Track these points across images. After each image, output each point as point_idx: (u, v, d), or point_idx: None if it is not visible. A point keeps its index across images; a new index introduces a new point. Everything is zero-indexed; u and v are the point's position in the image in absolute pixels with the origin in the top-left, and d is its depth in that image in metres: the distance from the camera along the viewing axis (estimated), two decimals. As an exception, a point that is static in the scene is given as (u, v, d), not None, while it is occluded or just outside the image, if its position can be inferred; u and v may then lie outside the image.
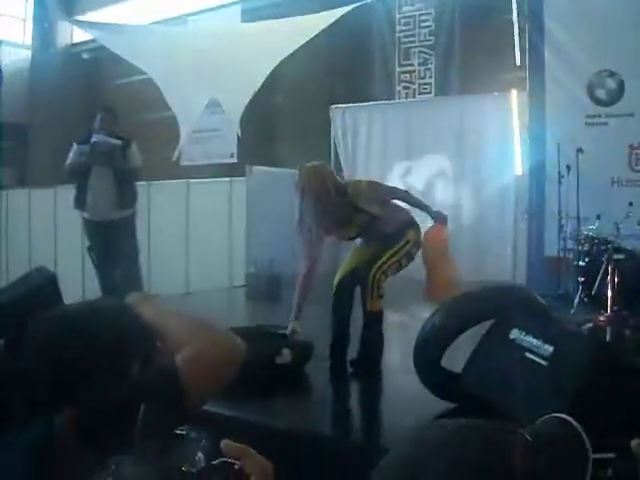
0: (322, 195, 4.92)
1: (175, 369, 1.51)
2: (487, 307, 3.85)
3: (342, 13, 8.30)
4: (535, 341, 3.27)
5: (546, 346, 3.19)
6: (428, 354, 3.94)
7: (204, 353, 1.59)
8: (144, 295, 1.94)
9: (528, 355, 3.26)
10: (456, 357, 3.97)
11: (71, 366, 1.47)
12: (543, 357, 3.17)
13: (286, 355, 4.70)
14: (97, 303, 1.77)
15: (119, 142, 7.32)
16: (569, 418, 1.18)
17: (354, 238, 5.40)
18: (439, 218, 5.36)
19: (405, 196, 5.41)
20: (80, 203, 7.40)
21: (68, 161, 7.40)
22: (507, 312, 3.67)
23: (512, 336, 3.44)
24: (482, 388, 3.54)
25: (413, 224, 5.21)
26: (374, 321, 5.05)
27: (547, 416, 1.22)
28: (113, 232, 7.26)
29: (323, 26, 8.21)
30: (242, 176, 10.90)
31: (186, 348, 1.57)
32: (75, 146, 7.41)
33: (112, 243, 7.27)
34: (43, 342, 1.51)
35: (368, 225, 5.11)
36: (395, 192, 5.41)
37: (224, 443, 1.29)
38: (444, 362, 3.93)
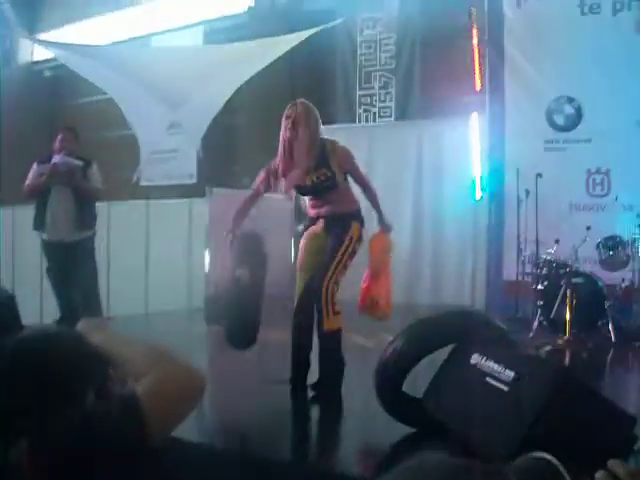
0: (307, 128, 5.03)
1: (136, 400, 1.48)
2: (448, 332, 3.85)
3: (305, 36, 8.31)
4: (496, 366, 3.27)
5: (507, 371, 3.19)
6: (389, 379, 3.94)
7: (165, 385, 1.55)
8: (97, 321, 1.90)
9: (489, 380, 3.26)
10: (417, 382, 3.97)
11: (22, 396, 1.44)
12: (504, 382, 3.17)
13: (243, 274, 4.75)
14: (48, 331, 1.70)
15: (80, 163, 7.26)
16: (549, 456, 1.18)
17: (305, 193, 5.32)
18: (386, 226, 5.35)
19: (367, 186, 5.31)
20: (39, 224, 7.31)
21: (27, 181, 7.32)
22: (468, 337, 3.68)
23: (473, 361, 3.44)
24: (443, 413, 3.54)
25: (359, 217, 5.16)
26: (331, 341, 4.94)
27: (527, 454, 1.22)
28: (72, 253, 7.17)
29: (286, 49, 8.22)
30: (201, 197, 10.84)
31: (146, 379, 1.53)
32: (35, 166, 7.33)
33: (71, 264, 7.18)
34: None
35: (324, 184, 5.08)
36: (361, 176, 5.30)
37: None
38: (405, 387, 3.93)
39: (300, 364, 5.04)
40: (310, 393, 4.95)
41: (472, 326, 3.89)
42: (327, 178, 5.06)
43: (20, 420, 1.44)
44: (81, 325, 1.80)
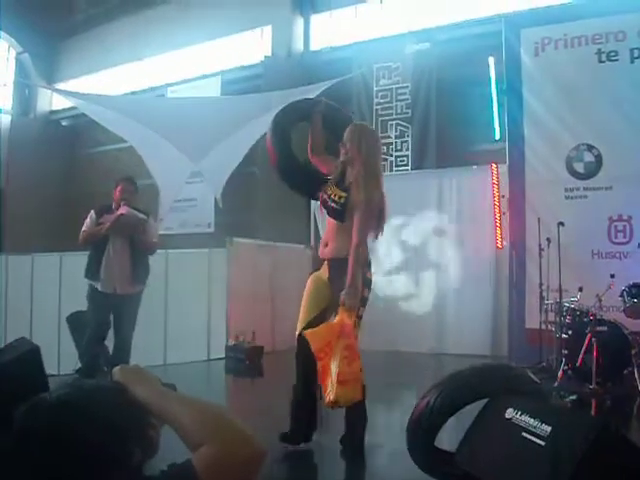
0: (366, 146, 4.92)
1: (193, 474, 1.41)
2: (481, 386, 3.80)
3: (323, 88, 8.39)
4: (532, 421, 3.22)
5: (544, 426, 3.14)
6: (421, 433, 3.87)
7: (224, 458, 1.47)
8: (134, 369, 1.74)
9: (525, 435, 3.21)
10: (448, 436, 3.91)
11: (65, 461, 1.39)
12: (541, 437, 3.12)
13: None
14: (85, 387, 1.57)
15: (145, 217, 7.20)
16: None
17: (324, 205, 5.04)
18: (345, 300, 4.64)
19: (356, 241, 4.79)
20: (92, 274, 7.10)
21: (84, 228, 7.14)
22: (502, 391, 3.63)
23: (508, 415, 3.39)
24: (477, 468, 3.47)
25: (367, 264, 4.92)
26: None
27: None
28: (122, 306, 7.00)
29: (306, 100, 8.29)
30: (219, 247, 10.83)
31: (204, 450, 1.46)
32: (93, 214, 7.19)
33: (116, 316, 7.01)
34: (35, 438, 1.41)
35: (334, 206, 4.90)
36: (358, 227, 4.81)
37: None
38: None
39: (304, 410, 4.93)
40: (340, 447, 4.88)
41: (505, 380, 3.84)
42: (338, 201, 4.89)
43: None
44: (118, 374, 1.67)
